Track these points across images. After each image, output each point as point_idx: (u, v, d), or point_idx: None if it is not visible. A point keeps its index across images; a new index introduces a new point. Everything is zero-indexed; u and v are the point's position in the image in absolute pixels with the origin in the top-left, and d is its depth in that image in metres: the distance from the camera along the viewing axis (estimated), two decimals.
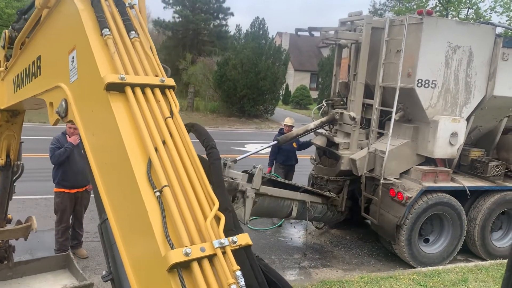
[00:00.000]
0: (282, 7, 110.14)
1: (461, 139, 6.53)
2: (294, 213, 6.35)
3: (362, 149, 6.97)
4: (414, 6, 28.32)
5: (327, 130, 7.69)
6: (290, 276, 6.10)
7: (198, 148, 1.81)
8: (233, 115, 24.44)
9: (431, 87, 6.35)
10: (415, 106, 6.51)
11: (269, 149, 7.73)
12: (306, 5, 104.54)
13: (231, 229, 1.59)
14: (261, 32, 24.19)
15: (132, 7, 2.14)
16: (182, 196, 1.61)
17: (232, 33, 35.73)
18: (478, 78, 6.56)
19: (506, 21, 26.01)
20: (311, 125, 7.22)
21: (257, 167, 5.60)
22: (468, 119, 6.72)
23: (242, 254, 1.54)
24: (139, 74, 1.88)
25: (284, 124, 8.10)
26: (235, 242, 1.53)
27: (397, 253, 6.66)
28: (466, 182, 6.70)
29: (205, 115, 24.78)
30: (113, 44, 1.91)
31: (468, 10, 27.32)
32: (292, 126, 8.04)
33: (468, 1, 26.92)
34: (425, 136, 6.52)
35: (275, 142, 7.00)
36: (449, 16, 26.52)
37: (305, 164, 9.19)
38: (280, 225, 7.91)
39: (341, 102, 7.73)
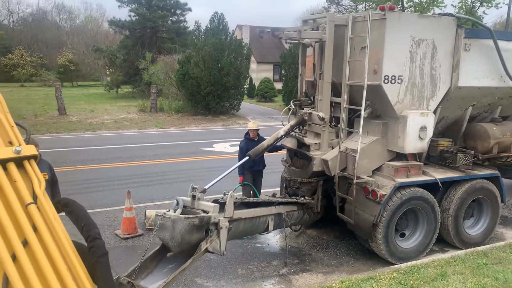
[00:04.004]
0: None
1: (430, 132, 6.53)
2: (271, 227, 6.17)
3: (333, 148, 6.86)
4: None
5: (296, 132, 7.53)
6: (270, 285, 5.96)
7: None
8: (199, 114, 24.03)
9: (398, 82, 6.29)
10: (383, 102, 6.44)
11: (235, 165, 7.34)
12: None
13: None
14: (221, 27, 23.79)
15: None
16: None
17: (191, 29, 35.18)
18: (442, 70, 6.55)
19: (458, 3, 26.71)
20: (281, 131, 6.98)
21: (228, 194, 5.31)
22: (435, 111, 6.72)
23: None
24: None
25: (249, 129, 7.87)
26: None
27: (375, 251, 6.63)
28: (437, 174, 6.72)
29: (170, 115, 24.26)
30: None
31: None
32: (257, 130, 7.83)
33: None
34: (395, 132, 6.48)
35: (247, 158, 6.69)
36: (404, 2, 26.92)
37: (274, 161, 9.06)
38: None
39: (309, 102, 7.59)
